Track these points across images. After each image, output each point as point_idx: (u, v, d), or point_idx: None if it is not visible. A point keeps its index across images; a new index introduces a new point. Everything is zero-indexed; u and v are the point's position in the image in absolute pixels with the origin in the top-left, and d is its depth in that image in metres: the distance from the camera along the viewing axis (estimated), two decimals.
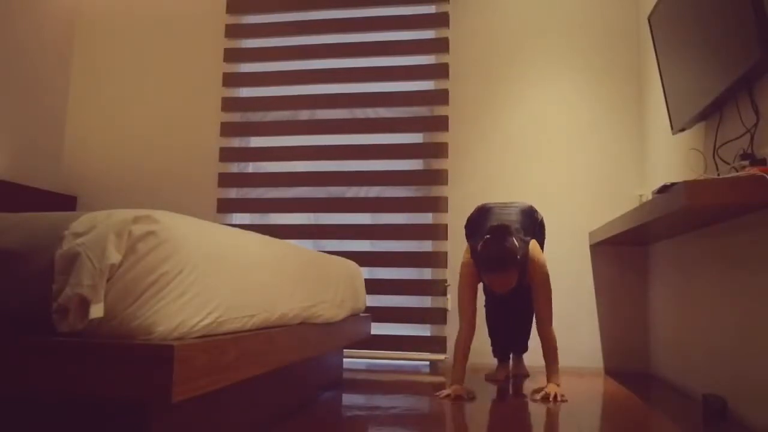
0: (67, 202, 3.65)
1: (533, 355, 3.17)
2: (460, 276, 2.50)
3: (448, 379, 2.59)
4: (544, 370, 2.45)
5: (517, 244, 2.26)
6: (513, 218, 2.49)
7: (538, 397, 2.33)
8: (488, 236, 2.27)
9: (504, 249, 2.22)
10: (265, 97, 3.66)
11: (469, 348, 2.41)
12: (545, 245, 2.76)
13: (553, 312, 3.12)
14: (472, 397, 2.31)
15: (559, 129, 3.38)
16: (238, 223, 3.64)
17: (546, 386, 2.37)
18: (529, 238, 2.48)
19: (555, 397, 2.28)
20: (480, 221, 2.58)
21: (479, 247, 2.29)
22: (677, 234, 2.61)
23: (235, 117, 3.69)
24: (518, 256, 2.25)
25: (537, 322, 2.47)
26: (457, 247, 3.35)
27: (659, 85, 2.92)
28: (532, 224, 2.58)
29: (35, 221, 1.24)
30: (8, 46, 3.34)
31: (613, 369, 3.17)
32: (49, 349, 1.11)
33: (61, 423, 1.17)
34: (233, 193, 3.67)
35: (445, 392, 2.33)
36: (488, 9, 3.53)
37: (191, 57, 3.77)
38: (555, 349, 2.41)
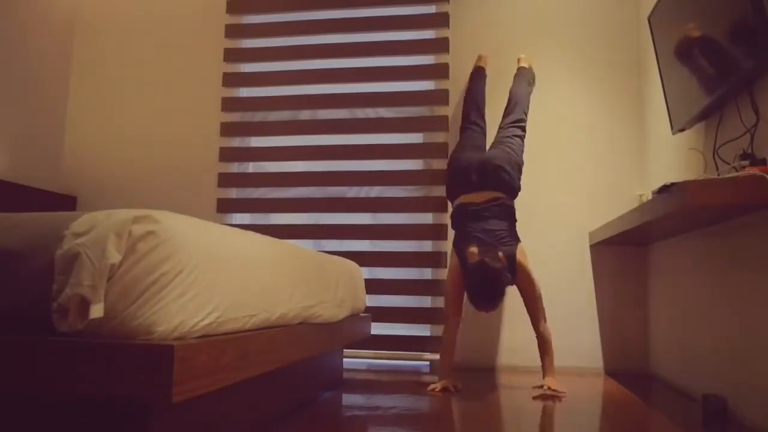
0: (67, 202, 3.65)
1: (532, 355, 3.17)
2: (448, 278, 2.69)
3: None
4: (540, 368, 2.60)
5: (503, 275, 2.43)
6: (496, 228, 2.63)
7: (538, 393, 2.46)
8: (475, 273, 2.43)
9: (491, 294, 2.42)
10: (265, 97, 3.66)
11: (455, 343, 2.64)
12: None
13: (553, 312, 3.14)
14: (458, 389, 2.51)
15: (559, 129, 3.38)
16: (238, 223, 3.64)
17: (544, 381, 2.51)
18: (514, 242, 2.63)
19: (553, 389, 2.44)
20: (462, 228, 2.70)
21: (467, 284, 2.50)
22: (677, 234, 2.61)
23: (235, 117, 3.69)
24: (505, 290, 2.46)
25: (532, 323, 2.62)
26: None
27: (659, 85, 2.91)
28: (512, 213, 2.73)
29: (35, 221, 1.24)
30: (8, 46, 3.34)
31: (613, 369, 3.17)
32: (49, 349, 1.10)
33: (61, 423, 1.17)
34: (233, 193, 3.67)
35: (434, 386, 2.52)
36: (488, 9, 3.53)
37: (191, 57, 3.77)
38: (550, 345, 2.57)
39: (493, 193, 2.69)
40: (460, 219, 2.73)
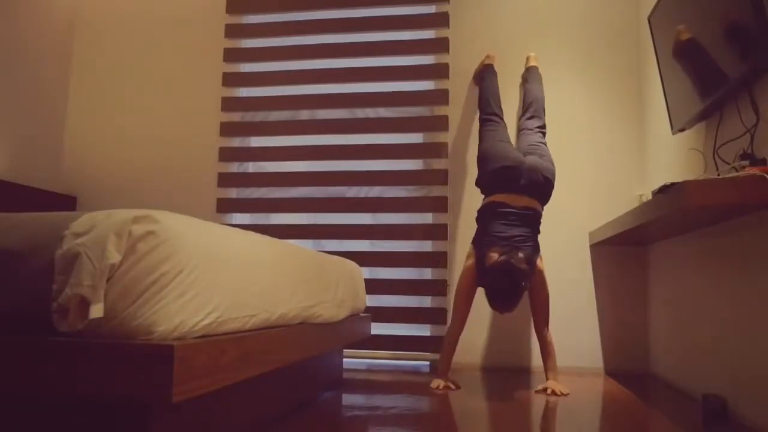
0: (67, 202, 3.65)
1: (533, 356, 3.18)
2: (461, 278, 2.67)
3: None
4: (543, 370, 2.61)
5: (526, 276, 2.45)
6: (519, 233, 2.61)
7: (542, 393, 2.49)
8: (497, 273, 2.45)
9: (512, 296, 2.44)
10: (265, 97, 3.66)
11: (456, 343, 2.65)
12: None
13: (554, 312, 3.15)
14: (457, 387, 2.55)
15: (559, 129, 3.38)
16: (238, 223, 3.64)
17: (547, 384, 2.53)
18: (535, 247, 2.63)
19: (557, 391, 2.46)
20: (487, 227, 2.67)
21: (487, 283, 2.52)
22: (677, 234, 2.61)
23: (235, 117, 3.69)
24: (522, 292, 2.47)
25: (535, 326, 2.65)
26: (457, 247, 3.35)
27: (659, 85, 2.91)
28: (539, 222, 2.73)
29: (35, 221, 1.24)
30: (8, 46, 3.34)
31: (613, 369, 3.17)
32: (49, 349, 1.10)
33: (61, 423, 1.17)
34: (233, 193, 3.67)
35: (436, 383, 2.55)
36: (488, 9, 3.53)
37: (191, 57, 3.77)
38: (553, 349, 2.60)
39: (532, 201, 2.66)
40: (487, 217, 2.68)
